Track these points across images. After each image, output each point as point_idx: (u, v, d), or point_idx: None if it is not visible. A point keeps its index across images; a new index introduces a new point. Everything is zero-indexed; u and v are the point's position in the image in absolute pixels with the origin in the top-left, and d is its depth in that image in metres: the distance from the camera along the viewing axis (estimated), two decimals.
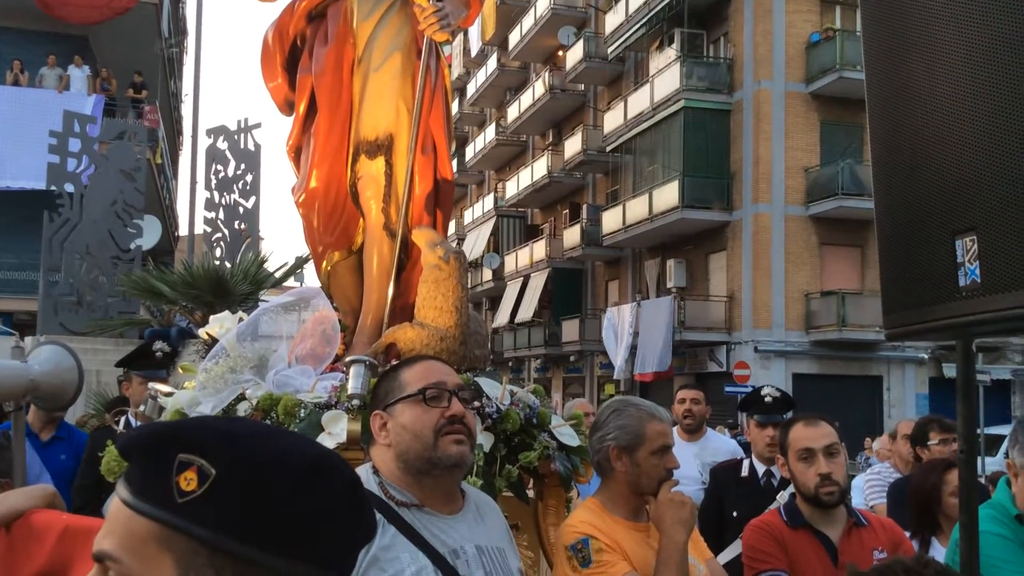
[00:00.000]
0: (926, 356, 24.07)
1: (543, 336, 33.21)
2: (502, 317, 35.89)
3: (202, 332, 3.36)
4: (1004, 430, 14.46)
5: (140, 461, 0.94)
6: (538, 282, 33.82)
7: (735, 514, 4.23)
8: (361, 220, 3.41)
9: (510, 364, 35.18)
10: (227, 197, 13.01)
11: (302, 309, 3.17)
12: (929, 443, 4.91)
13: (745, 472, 4.41)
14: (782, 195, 24.28)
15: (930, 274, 1.45)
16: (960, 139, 1.38)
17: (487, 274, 38.36)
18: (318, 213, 3.35)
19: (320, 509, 0.94)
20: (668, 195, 25.15)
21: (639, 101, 27.22)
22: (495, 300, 38.68)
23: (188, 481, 0.90)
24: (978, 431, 17.07)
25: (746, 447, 9.42)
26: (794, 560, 2.88)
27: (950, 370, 21.90)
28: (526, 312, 33.95)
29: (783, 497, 3.97)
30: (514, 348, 35.44)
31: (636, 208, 26.87)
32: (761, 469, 4.34)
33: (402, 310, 3.20)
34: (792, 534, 2.94)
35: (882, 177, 1.56)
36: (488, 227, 38.41)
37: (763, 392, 4.45)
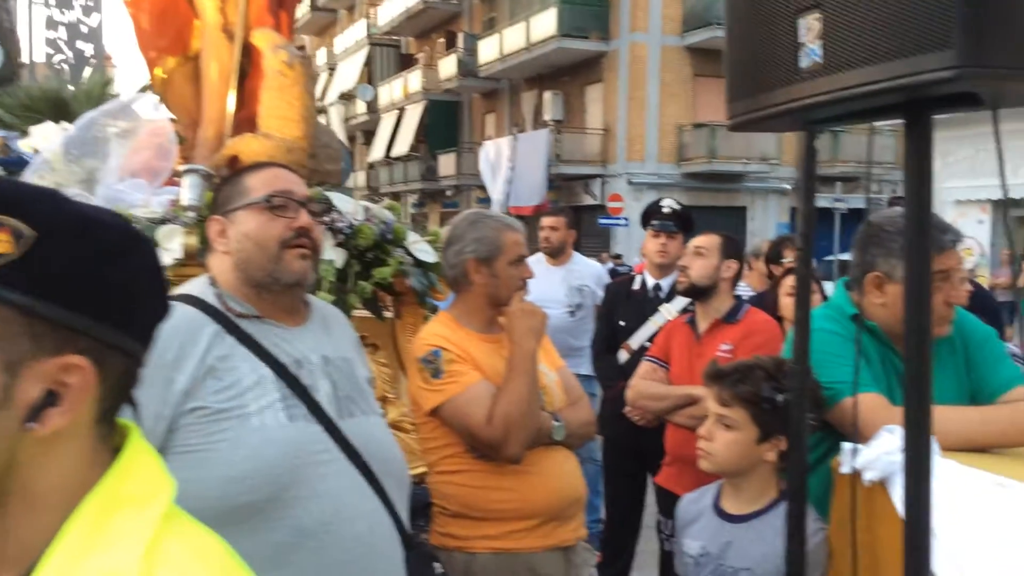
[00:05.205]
0: (788, 187, 25.04)
1: (419, 170, 32.79)
2: (377, 151, 35.14)
3: (23, 145, 3.07)
4: None
5: None
6: (414, 115, 33.04)
7: (622, 323, 4.48)
8: (196, 21, 3.12)
9: (386, 199, 34.73)
10: (68, 14, 11.91)
11: (134, 119, 2.92)
12: (783, 260, 5.13)
13: (637, 286, 4.59)
14: (659, 24, 24.10)
15: (772, 58, 1.40)
16: None
17: (361, 107, 37.18)
18: (147, 13, 3.04)
19: (138, 277, 0.92)
20: (546, 23, 24.59)
21: None
22: (369, 134, 37.71)
23: (2, 243, 0.82)
24: (832, 257, 18.06)
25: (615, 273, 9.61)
26: (670, 347, 3.68)
27: None
28: (402, 146, 33.30)
29: (665, 309, 4.18)
30: (390, 183, 34.95)
31: (513, 37, 26.23)
32: (651, 283, 4.48)
33: (246, 121, 2.98)
34: (680, 326, 3.72)
35: None
36: (360, 56, 36.89)
37: (662, 203, 4.58)
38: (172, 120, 3.06)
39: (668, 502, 3.22)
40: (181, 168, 2.61)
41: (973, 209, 15.92)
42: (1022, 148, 14.81)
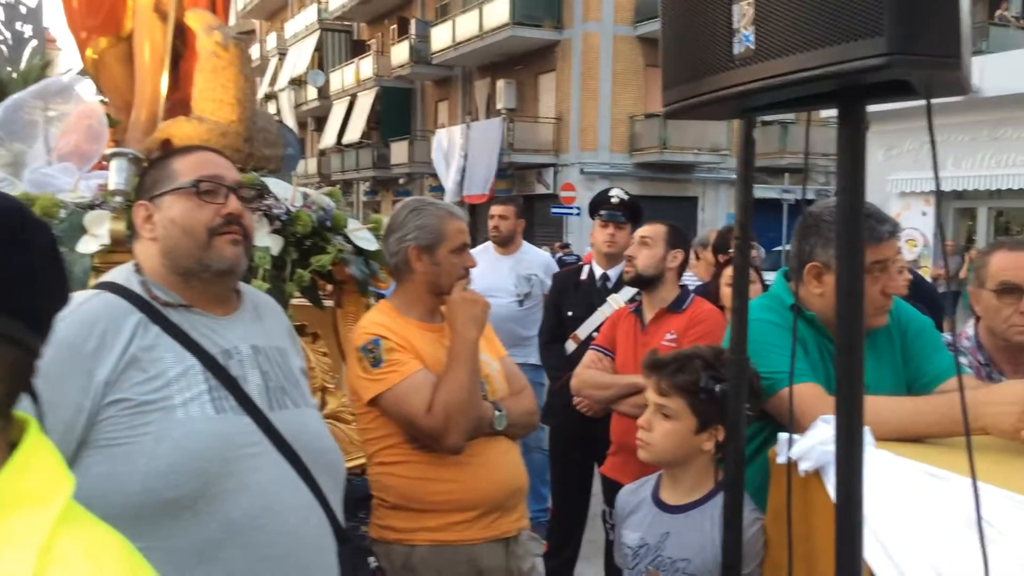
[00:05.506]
0: None
1: (371, 158, 32.50)
2: (328, 138, 34.76)
3: None
4: None
5: None
6: (366, 101, 32.74)
7: (570, 313, 4.44)
8: (129, 0, 3.02)
9: (338, 187, 34.33)
10: None
11: (64, 100, 2.82)
12: (730, 249, 5.15)
13: (584, 276, 4.55)
14: (611, 13, 24.14)
15: (707, 44, 1.38)
16: None
17: (312, 92, 36.73)
18: None
19: (32, 262, 0.89)
20: (498, 10, 24.50)
21: None
22: (321, 120, 37.29)
23: None
24: (780, 247, 18.29)
25: (562, 263, 9.61)
26: (616, 336, 3.67)
27: (760, 191, 23.16)
28: (353, 133, 32.98)
29: (613, 299, 4.16)
30: (342, 170, 34.61)
31: (466, 24, 26.09)
32: (598, 272, 4.45)
33: (180, 104, 2.89)
34: (626, 315, 3.70)
35: None
36: (311, 42, 36.43)
37: (611, 193, 4.53)
38: (104, 102, 2.97)
39: (613, 492, 3.20)
40: (108, 151, 2.52)
41: (917, 201, 16.22)
42: (966, 141, 15.17)
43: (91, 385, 1.65)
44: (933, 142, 1.31)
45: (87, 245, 2.33)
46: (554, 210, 23.09)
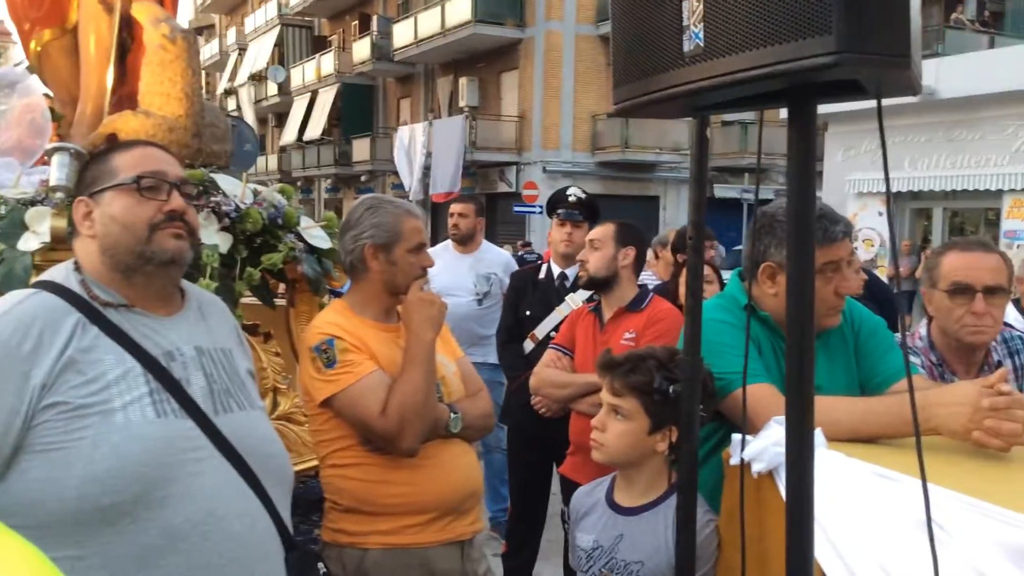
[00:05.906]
0: None
1: (333, 155, 32.26)
2: (289, 134, 34.46)
3: None
4: None
5: None
6: (327, 98, 32.48)
7: (528, 312, 4.41)
8: None
9: (299, 184, 34.15)
10: None
11: (10, 94, 2.74)
12: None
13: (543, 275, 4.51)
14: (573, 12, 24.19)
15: (657, 41, 1.36)
16: None
17: (272, 88, 36.37)
18: None
19: None
20: (461, 8, 24.43)
21: None
22: (282, 116, 36.96)
23: None
24: (741, 247, 18.42)
25: (522, 261, 9.57)
26: (575, 335, 3.67)
27: (721, 191, 23.35)
28: (315, 130, 32.71)
29: (571, 298, 4.14)
30: (303, 167, 34.31)
31: (428, 21, 25.99)
32: (556, 272, 4.43)
33: (128, 98, 2.82)
34: (585, 314, 3.70)
35: None
36: (272, 37, 36.07)
37: (568, 191, 4.47)
38: (48, 96, 2.88)
39: (572, 491, 3.19)
40: (50, 146, 2.45)
41: (874, 201, 16.42)
42: (922, 142, 15.40)
43: (27, 387, 1.60)
44: (883, 141, 1.30)
45: (28, 243, 2.26)
46: (516, 208, 23.08)
